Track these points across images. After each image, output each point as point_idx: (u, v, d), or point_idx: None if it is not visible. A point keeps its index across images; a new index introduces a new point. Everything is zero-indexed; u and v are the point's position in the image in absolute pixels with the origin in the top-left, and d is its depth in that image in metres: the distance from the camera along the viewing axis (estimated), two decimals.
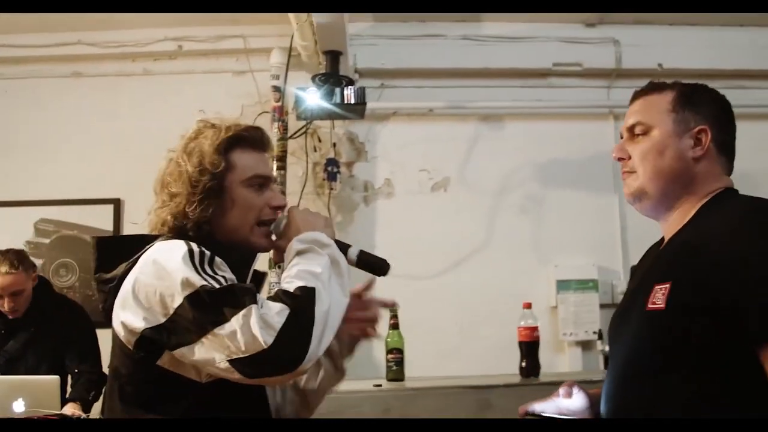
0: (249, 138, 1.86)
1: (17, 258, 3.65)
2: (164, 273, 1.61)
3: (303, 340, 1.52)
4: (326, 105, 3.91)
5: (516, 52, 4.68)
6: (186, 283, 1.56)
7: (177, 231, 1.79)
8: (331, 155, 4.54)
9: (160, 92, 4.60)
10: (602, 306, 4.44)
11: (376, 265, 1.93)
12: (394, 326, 3.34)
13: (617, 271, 4.54)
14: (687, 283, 1.62)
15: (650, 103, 1.85)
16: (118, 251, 1.78)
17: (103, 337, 3.66)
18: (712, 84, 4.60)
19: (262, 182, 1.86)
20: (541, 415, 1.85)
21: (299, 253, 1.71)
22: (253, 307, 1.52)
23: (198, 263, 1.62)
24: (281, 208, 1.89)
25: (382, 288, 4.18)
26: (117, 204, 4.46)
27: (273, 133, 4.29)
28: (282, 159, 4.28)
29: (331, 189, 4.50)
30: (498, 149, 4.67)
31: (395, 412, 2.91)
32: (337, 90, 3.87)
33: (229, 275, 1.65)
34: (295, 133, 4.43)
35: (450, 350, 4.23)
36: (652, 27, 4.75)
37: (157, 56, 4.69)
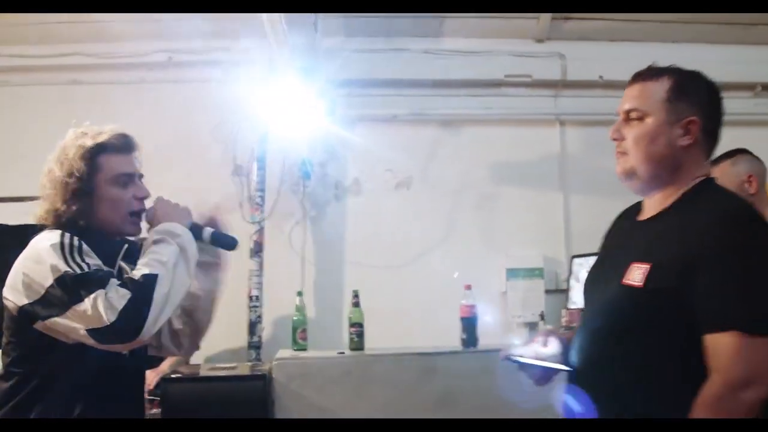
0: (113, 144, 2.13)
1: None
2: (39, 258, 1.92)
3: (139, 319, 1.84)
4: (301, 113, 4.29)
5: (472, 64, 4.98)
6: (54, 268, 1.88)
7: (57, 223, 2.05)
8: (305, 156, 4.83)
9: (152, 99, 4.84)
10: (547, 291, 4.76)
11: (226, 243, 2.27)
12: (356, 304, 3.77)
13: (561, 260, 4.87)
14: (665, 268, 1.77)
15: (647, 90, 1.97)
16: (9, 238, 2.14)
17: None
18: None
19: (126, 179, 2.13)
20: (520, 359, 2.02)
21: (154, 242, 2.03)
22: (101, 291, 1.84)
23: (67, 252, 1.92)
24: (144, 198, 2.18)
25: (351, 275, 4.66)
26: None
27: (254, 137, 4.69)
28: (262, 160, 4.67)
29: (305, 187, 4.84)
30: (455, 152, 5.00)
31: (355, 374, 3.36)
32: (311, 100, 4.24)
33: (95, 261, 1.97)
34: (272, 137, 4.75)
35: (409, 331, 4.51)
36: (594, 42, 5.07)
37: (150, 66, 4.93)
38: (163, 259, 1.96)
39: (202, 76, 4.89)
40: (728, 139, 4.54)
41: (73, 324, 1.86)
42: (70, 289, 1.87)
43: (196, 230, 2.15)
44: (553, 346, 2.04)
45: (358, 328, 3.72)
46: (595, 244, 4.37)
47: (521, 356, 2.04)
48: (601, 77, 5.05)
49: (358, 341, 3.70)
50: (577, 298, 4.45)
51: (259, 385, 3.35)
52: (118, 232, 2.15)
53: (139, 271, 1.93)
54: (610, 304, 1.91)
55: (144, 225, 2.18)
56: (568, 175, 5.07)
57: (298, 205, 4.87)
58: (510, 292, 4.78)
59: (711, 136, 1.98)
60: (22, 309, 1.94)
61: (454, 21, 4.91)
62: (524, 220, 4.97)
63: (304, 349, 3.74)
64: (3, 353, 2.07)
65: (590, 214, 4.91)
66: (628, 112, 1.99)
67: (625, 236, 2.06)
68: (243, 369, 3.68)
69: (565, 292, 4.71)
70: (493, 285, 4.78)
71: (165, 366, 3.84)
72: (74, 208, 2.04)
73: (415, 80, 5.00)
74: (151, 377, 3.54)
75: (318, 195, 4.96)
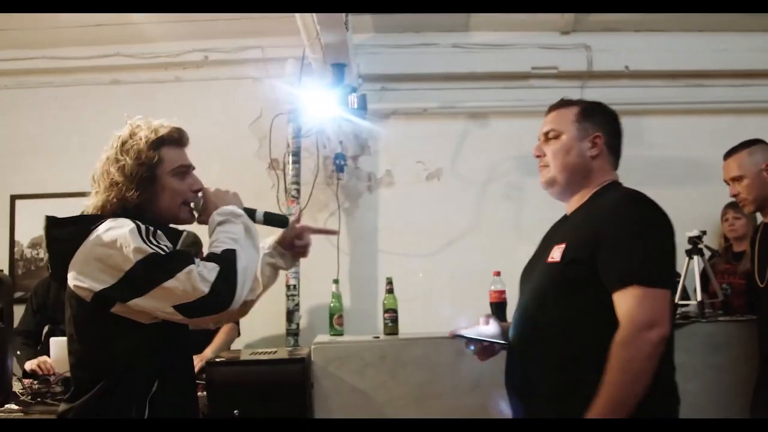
0: (173, 137, 2.20)
1: None
2: (117, 243, 1.94)
3: (230, 289, 1.92)
4: (335, 109, 4.43)
5: (499, 57, 5.09)
6: (138, 250, 1.92)
7: (118, 212, 2.09)
8: (339, 150, 5.00)
9: (189, 97, 5.01)
10: None
11: (278, 221, 2.39)
12: (390, 291, 3.90)
13: None
14: (575, 243, 2.16)
15: (561, 115, 2.39)
16: (68, 228, 2.09)
17: None
18: (673, 83, 5.18)
19: (184, 171, 2.21)
20: (465, 336, 2.35)
21: (219, 223, 2.10)
22: (192, 266, 1.91)
23: (145, 236, 1.97)
24: (199, 190, 2.24)
25: (384, 263, 4.80)
26: None
27: (288, 132, 4.83)
28: (296, 154, 4.82)
29: (339, 179, 5.00)
30: (484, 143, 5.10)
31: (390, 357, 3.49)
32: (343, 96, 4.38)
33: (168, 244, 2.03)
34: (307, 132, 4.91)
35: (440, 316, 4.31)
36: (620, 33, 5.14)
37: (186, 65, 5.14)
38: (234, 236, 2.05)
39: (237, 74, 5.07)
40: (756, 126, 4.70)
41: (158, 302, 1.92)
42: (158, 268, 1.93)
43: (249, 212, 2.25)
44: (494, 327, 2.41)
45: (392, 313, 3.85)
46: None
47: (467, 334, 2.36)
48: (626, 67, 5.14)
49: (392, 326, 3.84)
50: None
51: (298, 368, 3.49)
52: (174, 220, 2.23)
53: (217, 248, 2.01)
54: (536, 281, 2.26)
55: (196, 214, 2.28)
56: None
57: (333, 197, 5.03)
58: None
59: (614, 150, 2.39)
60: (99, 294, 1.97)
61: (481, 15, 4.99)
62: (551, 209, 4.99)
63: (341, 335, 3.87)
64: (71, 347, 2.11)
65: None
66: (547, 133, 2.40)
67: (552, 236, 2.41)
68: (282, 353, 3.82)
69: None
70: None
71: (208, 352, 3.99)
72: (141, 196, 2.12)
73: (444, 74, 5.13)
74: (196, 362, 3.68)
75: (351, 187, 5.11)
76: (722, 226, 4.63)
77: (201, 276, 1.90)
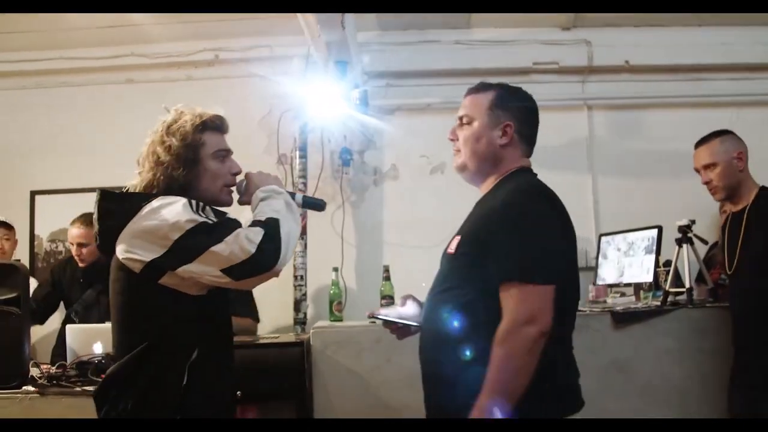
0: (216, 122, 2.34)
1: (90, 219, 4.28)
2: (168, 215, 2.07)
3: (275, 249, 2.04)
4: (339, 105, 4.57)
5: (501, 53, 5.18)
6: (189, 220, 2.05)
7: (168, 189, 2.21)
8: (345, 145, 5.14)
9: (200, 95, 4.76)
10: None
11: (316, 204, 2.54)
12: (387, 278, 4.02)
13: (590, 239, 4.98)
14: (468, 238, 2.23)
15: (476, 100, 2.39)
16: (120, 203, 2.21)
17: None
18: (674, 77, 5.27)
19: (225, 154, 2.34)
20: (383, 317, 2.47)
21: (262, 199, 2.22)
22: (240, 229, 2.05)
23: (195, 209, 2.11)
24: (237, 173, 2.37)
25: (389, 255, 4.91)
26: None
27: (296, 127, 4.97)
28: (303, 149, 4.95)
29: (345, 173, 5.13)
30: None
31: (384, 341, 3.59)
32: (347, 93, 4.53)
33: (214, 218, 2.17)
34: (313, 128, 5.03)
35: None
36: (620, 29, 5.21)
37: (198, 65, 5.29)
38: (276, 208, 2.18)
39: (247, 72, 5.17)
40: (756, 119, 4.76)
41: (207, 267, 2.03)
42: (206, 234, 2.05)
43: (290, 194, 2.37)
44: (412, 307, 2.50)
45: (389, 300, 3.98)
46: (622, 223, 4.60)
47: (386, 315, 2.49)
48: (627, 62, 5.23)
49: None
50: (604, 275, 4.64)
51: (298, 351, 3.63)
52: (215, 201, 2.32)
53: (261, 216, 2.14)
54: (440, 270, 2.34)
55: (235, 196, 2.40)
56: (596, 158, 5.24)
57: (339, 190, 5.16)
58: None
59: (526, 138, 2.39)
60: (150, 264, 2.09)
61: (482, 13, 5.07)
62: None
63: (340, 320, 4.01)
64: (117, 317, 2.22)
65: (617, 194, 5.15)
66: (461, 117, 2.40)
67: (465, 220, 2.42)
68: (285, 338, 3.98)
69: (593, 269, 4.86)
70: None
71: None
72: (186, 175, 2.24)
73: (447, 70, 5.21)
74: None
75: (357, 181, 5.24)
76: (720, 218, 4.71)
77: (248, 238, 2.02)
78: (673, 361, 3.65)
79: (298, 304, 4.75)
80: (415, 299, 2.53)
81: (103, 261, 4.21)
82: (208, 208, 2.21)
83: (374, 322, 2.66)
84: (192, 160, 2.26)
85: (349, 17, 4.24)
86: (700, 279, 4.08)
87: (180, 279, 2.10)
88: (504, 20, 5.17)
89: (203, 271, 2.04)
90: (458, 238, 2.28)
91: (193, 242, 2.05)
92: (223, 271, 2.03)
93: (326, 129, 5.11)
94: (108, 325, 3.97)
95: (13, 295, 3.32)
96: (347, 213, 5.18)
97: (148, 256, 2.09)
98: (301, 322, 4.72)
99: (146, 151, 2.31)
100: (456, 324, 2.17)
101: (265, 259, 2.04)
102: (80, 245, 4.31)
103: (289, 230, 2.13)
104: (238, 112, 5.08)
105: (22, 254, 5.17)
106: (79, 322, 4.05)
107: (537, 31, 5.24)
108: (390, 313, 2.50)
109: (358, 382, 3.64)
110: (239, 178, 2.40)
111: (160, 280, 2.11)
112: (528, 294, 2.04)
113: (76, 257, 4.35)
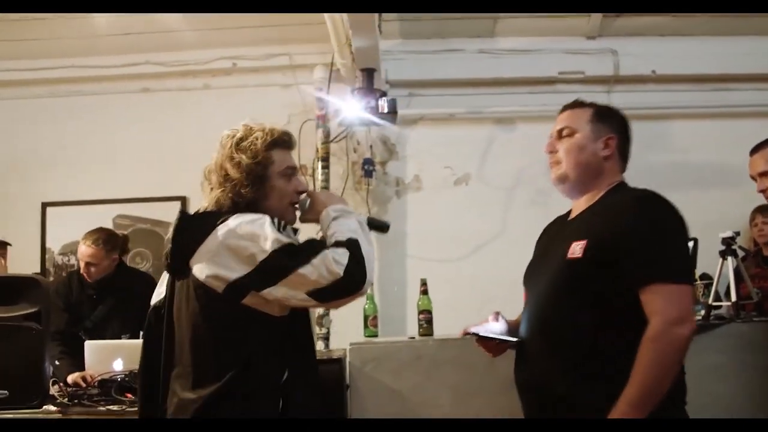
0: (284, 140, 2.30)
1: (104, 238, 4.10)
2: (253, 235, 2.04)
3: (362, 270, 2.02)
4: (363, 114, 4.46)
5: (526, 62, 5.12)
6: (276, 240, 2.01)
7: (232, 208, 2.17)
8: (368, 156, 5.06)
9: (217, 104, 5.06)
10: None
11: (381, 226, 2.48)
12: (424, 292, 3.91)
13: None
14: (597, 241, 2.14)
15: (576, 114, 2.39)
16: (193, 222, 2.18)
17: None
18: (700, 87, 5.15)
19: (291, 172, 2.30)
20: (477, 334, 2.39)
21: (335, 218, 2.18)
22: (327, 251, 2.01)
23: (278, 227, 2.06)
24: (303, 192, 2.31)
25: (412, 268, 4.80)
26: (183, 200, 4.96)
27: (317, 137, 4.87)
28: (325, 160, 4.86)
29: (368, 185, 5.05)
30: (511, 148, 5.12)
31: (426, 358, 3.50)
32: (373, 101, 4.42)
33: (294, 236, 2.13)
34: (336, 137, 4.97)
35: (470, 320, 4.61)
36: (646, 38, 5.15)
37: (215, 73, 5.22)
38: (352, 227, 2.14)
39: (265, 81, 5.14)
40: None
41: (292, 290, 2.01)
42: (293, 255, 2.02)
43: None
44: (502, 323, 2.49)
45: (426, 314, 3.85)
46: None
47: (477, 331, 2.41)
48: (653, 72, 5.17)
49: (427, 327, 3.83)
50: None
51: (335, 368, 3.51)
52: (281, 218, 2.23)
53: (342, 237, 2.10)
54: (551, 278, 2.25)
55: (297, 214, 2.35)
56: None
57: (362, 202, 5.07)
58: None
59: (623, 153, 2.40)
60: (233, 284, 2.06)
61: (507, 21, 5.03)
62: None
63: (375, 336, 3.88)
64: (195, 338, 2.15)
65: None
66: (561, 130, 2.38)
67: (559, 233, 2.41)
68: (318, 354, 3.84)
69: None
70: None
71: None
72: (254, 193, 2.20)
73: (471, 80, 5.17)
74: None
75: (380, 192, 5.17)
76: (751, 230, 4.62)
77: (335, 260, 1.99)
78: (719, 378, 3.53)
79: (321, 320, 4.63)
80: (502, 317, 2.53)
81: (111, 276, 4.23)
82: (288, 227, 2.16)
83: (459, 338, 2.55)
84: (261, 178, 2.22)
85: (374, 24, 4.15)
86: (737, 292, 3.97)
87: (263, 300, 2.07)
88: (529, 29, 5.11)
89: (288, 294, 2.03)
90: (582, 242, 2.18)
91: (279, 264, 2.02)
92: (310, 294, 2.01)
93: (350, 139, 5.06)
94: (129, 341, 3.97)
95: (33, 309, 3.20)
96: None
97: (231, 276, 2.06)
98: (324, 337, 4.61)
99: (214, 166, 2.26)
100: (584, 334, 2.14)
101: (352, 282, 2.02)
102: (89, 264, 4.16)
103: (367, 250, 2.10)
104: (257, 122, 5.09)
105: (32, 267, 5.06)
106: (89, 339, 3.91)
107: (562, 39, 5.19)
108: (480, 330, 2.45)
109: (399, 401, 3.52)
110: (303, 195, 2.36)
111: (243, 300, 2.07)
112: (676, 294, 2.06)
113: (84, 274, 4.21)
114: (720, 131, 5.11)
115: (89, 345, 3.71)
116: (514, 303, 4.22)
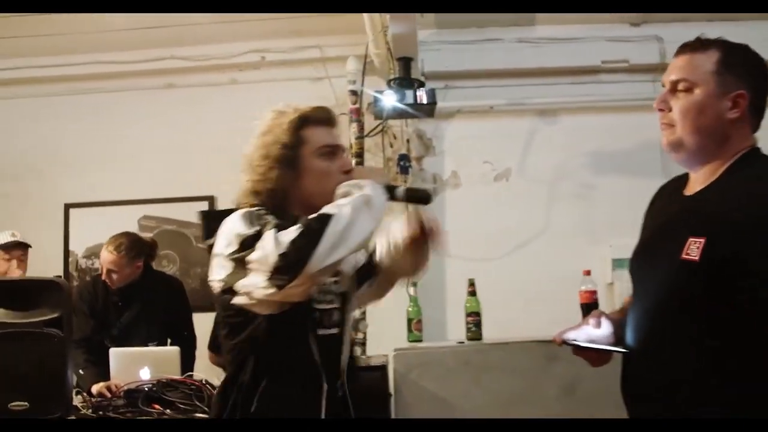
0: (317, 116, 2.14)
1: (127, 245, 3.98)
2: (228, 233, 1.93)
3: (307, 249, 1.78)
4: (400, 106, 4.26)
5: (567, 51, 4.94)
6: (238, 235, 1.88)
7: (269, 198, 2.07)
8: (403, 151, 4.88)
9: (245, 99, 4.81)
10: None
11: (420, 197, 2.25)
12: (472, 293, 3.73)
13: None
14: (719, 241, 1.76)
15: (696, 61, 1.92)
16: (212, 221, 2.07)
17: None
18: None
19: (331, 150, 2.12)
20: (576, 343, 1.98)
21: (342, 195, 1.96)
22: (272, 231, 1.83)
23: (250, 220, 1.92)
24: (350, 171, 2.12)
25: (451, 268, 4.62)
26: (211, 200, 4.84)
27: (351, 132, 4.66)
28: (359, 155, 4.65)
29: (404, 182, 4.79)
30: (553, 141, 4.95)
31: (474, 363, 3.32)
32: (410, 92, 4.22)
33: (275, 220, 1.91)
34: (370, 132, 4.79)
35: (516, 321, 4.37)
36: (692, 24, 4.72)
37: (243, 67, 5.07)
38: (341, 203, 1.91)
39: (295, 75, 5.00)
40: None
41: (254, 278, 1.84)
42: (248, 245, 1.86)
43: (390, 189, 2.10)
44: (606, 328, 2.03)
45: (475, 317, 3.68)
46: None
47: (575, 339, 2.00)
48: None
49: (475, 330, 3.66)
50: None
51: (377, 376, 3.33)
52: (326, 203, 2.02)
53: (316, 214, 1.92)
54: (666, 279, 1.88)
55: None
56: (671, 162, 4.89)
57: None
58: (617, 282, 4.67)
59: (758, 110, 1.94)
60: (221, 287, 1.97)
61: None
62: (626, 208, 4.79)
63: (420, 341, 3.71)
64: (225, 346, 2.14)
65: None
66: (675, 82, 1.95)
67: (675, 211, 2.00)
68: (358, 361, 3.66)
69: None
70: (598, 277, 4.64)
71: None
72: (284, 178, 2.07)
73: (510, 70, 4.99)
74: None
75: None
76: None
77: (276, 239, 1.81)
78: None
79: (357, 324, 4.42)
80: (608, 317, 2.06)
81: (136, 282, 4.06)
82: (268, 216, 1.96)
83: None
84: (291, 161, 2.08)
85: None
86: None
87: (246, 297, 1.91)
88: (570, 16, 4.89)
89: (253, 284, 1.85)
90: (701, 240, 1.80)
91: (239, 256, 1.88)
92: (269, 279, 1.81)
93: (385, 133, 4.88)
94: (156, 348, 3.84)
95: (54, 315, 2.99)
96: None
97: (216, 278, 1.98)
98: (360, 342, 4.39)
99: (247, 155, 2.14)
100: (707, 342, 1.78)
101: (290, 264, 1.79)
102: (110, 271, 4.04)
103: (342, 229, 1.84)
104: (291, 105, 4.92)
105: (55, 271, 4.93)
106: (114, 346, 3.79)
107: (605, 27, 5.00)
108: (579, 336, 2.04)
109: (445, 409, 3.33)
110: None
111: (232, 300, 1.95)
112: None
113: (106, 280, 4.05)
114: None
115: (114, 352, 3.60)
116: (560, 303, 4.10)
